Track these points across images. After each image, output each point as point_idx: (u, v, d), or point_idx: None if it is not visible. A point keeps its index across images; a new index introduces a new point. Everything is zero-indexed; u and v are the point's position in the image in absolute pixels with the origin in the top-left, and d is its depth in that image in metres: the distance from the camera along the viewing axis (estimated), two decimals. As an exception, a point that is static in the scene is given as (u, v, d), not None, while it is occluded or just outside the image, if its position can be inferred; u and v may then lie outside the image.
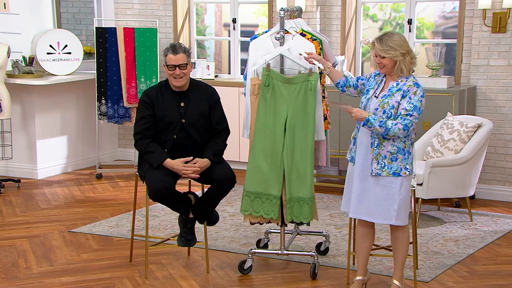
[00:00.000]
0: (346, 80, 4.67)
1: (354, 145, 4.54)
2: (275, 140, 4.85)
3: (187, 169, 4.79)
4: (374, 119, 4.27)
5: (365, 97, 4.47)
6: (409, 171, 4.38)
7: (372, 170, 4.38)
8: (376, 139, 4.37)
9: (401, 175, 4.36)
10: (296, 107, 4.82)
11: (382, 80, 4.46)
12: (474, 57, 6.93)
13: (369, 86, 4.50)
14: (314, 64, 4.77)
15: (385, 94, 4.36)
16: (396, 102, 4.31)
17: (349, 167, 4.59)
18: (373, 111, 4.36)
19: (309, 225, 5.16)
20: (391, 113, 4.31)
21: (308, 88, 4.81)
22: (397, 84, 4.36)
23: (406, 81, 4.35)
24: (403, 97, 4.31)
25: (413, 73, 4.43)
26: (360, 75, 7.81)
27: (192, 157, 4.86)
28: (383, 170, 4.36)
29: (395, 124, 4.26)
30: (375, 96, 4.41)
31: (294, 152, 4.84)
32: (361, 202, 4.45)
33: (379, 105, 4.35)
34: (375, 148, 4.37)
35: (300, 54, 4.81)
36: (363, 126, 4.34)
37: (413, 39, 7.36)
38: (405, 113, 4.28)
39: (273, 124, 4.85)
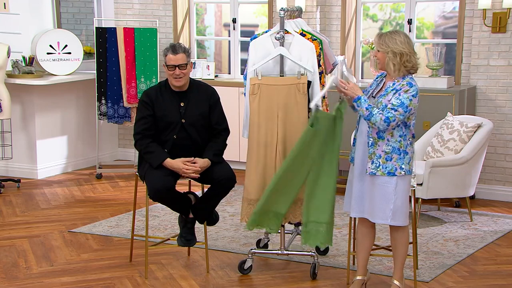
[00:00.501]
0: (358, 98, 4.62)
1: (354, 145, 4.54)
2: (302, 165, 4.70)
3: (187, 168, 4.79)
4: (365, 101, 4.30)
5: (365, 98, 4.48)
6: (405, 171, 4.37)
7: (367, 170, 4.39)
8: (371, 138, 4.38)
9: (396, 175, 4.36)
10: (327, 135, 4.69)
11: (382, 80, 4.47)
12: (474, 57, 6.93)
13: (370, 88, 4.52)
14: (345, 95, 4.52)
15: (381, 94, 4.38)
16: (388, 101, 4.32)
17: (350, 168, 4.60)
18: None
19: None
20: None
21: (338, 116, 4.68)
22: (393, 84, 4.37)
23: (402, 81, 4.36)
24: (394, 93, 4.32)
25: (410, 75, 4.41)
26: (360, 75, 7.81)
27: (192, 158, 4.87)
28: (378, 169, 4.36)
29: (379, 113, 4.27)
30: (372, 96, 4.43)
31: (319, 178, 4.69)
32: (362, 201, 4.46)
33: (373, 104, 4.35)
34: (369, 148, 4.38)
35: (334, 84, 4.49)
36: (353, 102, 4.35)
37: (413, 39, 7.36)
38: (391, 107, 4.27)
39: (306, 152, 4.69)
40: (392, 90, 4.34)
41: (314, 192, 4.70)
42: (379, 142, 4.37)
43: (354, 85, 4.38)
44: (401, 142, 4.37)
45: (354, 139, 4.55)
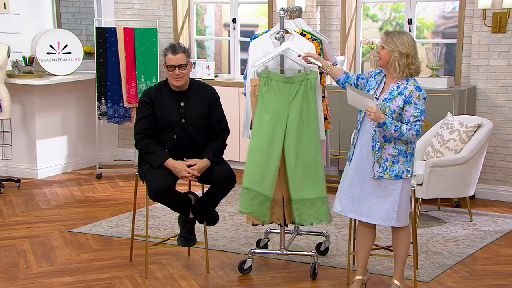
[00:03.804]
0: (346, 77, 4.65)
1: (353, 145, 4.53)
2: (276, 141, 4.78)
3: (188, 172, 4.79)
4: (391, 123, 4.25)
5: None
6: (410, 174, 4.38)
7: (374, 174, 4.37)
8: (378, 142, 4.36)
9: (402, 178, 4.36)
10: (297, 106, 4.80)
11: (382, 80, 4.45)
12: (474, 57, 6.93)
13: (369, 86, 4.49)
14: (312, 63, 4.75)
15: (386, 98, 4.35)
16: (397, 106, 4.30)
17: (346, 168, 4.56)
18: None
19: (312, 225, 5.14)
20: (392, 117, 4.30)
21: (308, 87, 4.80)
22: (398, 87, 4.34)
23: (406, 84, 4.33)
24: (406, 102, 4.29)
25: (412, 77, 4.40)
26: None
27: (194, 162, 4.85)
28: (385, 173, 4.35)
29: (409, 130, 4.26)
30: (375, 98, 4.40)
31: (298, 153, 4.77)
32: (362, 203, 4.44)
33: (380, 108, 4.33)
34: (376, 152, 4.36)
35: (299, 56, 4.80)
36: (378, 127, 4.30)
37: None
38: (414, 119, 4.29)
39: (274, 124, 4.81)
40: (398, 94, 4.31)
41: (297, 169, 4.75)
42: (386, 145, 4.35)
43: (377, 110, 4.28)
44: (408, 145, 4.37)
45: (354, 138, 4.53)
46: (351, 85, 4.58)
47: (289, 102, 4.81)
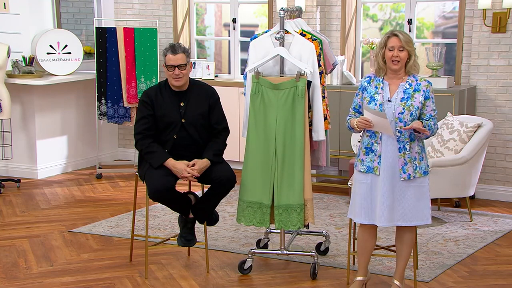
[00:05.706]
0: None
1: (368, 155, 4.41)
2: (266, 148, 4.89)
3: (189, 172, 4.79)
4: (426, 125, 4.32)
5: (375, 104, 4.36)
6: (430, 168, 4.46)
7: (409, 174, 4.34)
8: (407, 143, 4.34)
9: (428, 173, 4.41)
10: (285, 113, 4.84)
11: (382, 82, 4.41)
12: (474, 57, 6.93)
13: (370, 93, 4.41)
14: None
15: (403, 97, 4.33)
16: (419, 103, 4.34)
17: (364, 179, 4.43)
18: (397, 116, 4.30)
19: (308, 228, 5.19)
20: (417, 114, 4.33)
21: (296, 94, 4.83)
22: (410, 85, 4.35)
23: (416, 80, 4.37)
24: (426, 98, 4.34)
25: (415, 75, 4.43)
26: (360, 75, 7.81)
27: (193, 163, 4.85)
28: (416, 172, 4.36)
29: (434, 124, 4.36)
30: (388, 100, 4.35)
31: (284, 159, 4.86)
32: (394, 209, 4.38)
33: (403, 108, 4.30)
34: (407, 152, 4.34)
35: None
36: (418, 134, 4.31)
37: (413, 39, 7.34)
38: (434, 113, 4.38)
39: (264, 132, 4.88)
40: (414, 91, 4.34)
41: (283, 176, 4.86)
42: (412, 144, 4.37)
43: (415, 121, 4.28)
44: (423, 140, 4.43)
45: (368, 148, 4.42)
46: (368, 106, 4.40)
47: (277, 109, 4.84)
